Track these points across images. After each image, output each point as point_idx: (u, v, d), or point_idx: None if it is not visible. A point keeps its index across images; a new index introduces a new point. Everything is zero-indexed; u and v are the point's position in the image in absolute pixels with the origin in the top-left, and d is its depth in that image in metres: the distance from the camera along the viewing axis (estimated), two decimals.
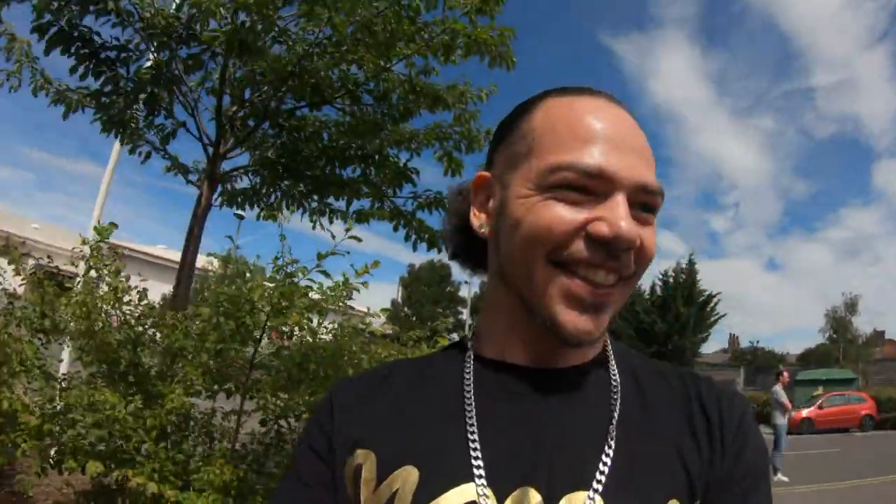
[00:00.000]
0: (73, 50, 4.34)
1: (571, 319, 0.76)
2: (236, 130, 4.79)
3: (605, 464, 0.72)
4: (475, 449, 0.76)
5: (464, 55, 4.39)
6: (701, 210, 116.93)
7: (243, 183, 5.52)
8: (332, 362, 3.42)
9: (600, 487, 0.71)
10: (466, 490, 0.73)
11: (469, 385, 0.84)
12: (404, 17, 4.00)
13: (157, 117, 4.83)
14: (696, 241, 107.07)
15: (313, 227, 5.44)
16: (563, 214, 0.75)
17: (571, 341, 0.76)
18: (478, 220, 0.88)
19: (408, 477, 0.76)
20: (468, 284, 38.78)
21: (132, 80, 4.54)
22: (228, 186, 5.50)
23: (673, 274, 37.90)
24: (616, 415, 0.78)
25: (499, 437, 0.78)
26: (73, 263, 4.48)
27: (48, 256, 4.52)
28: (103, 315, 3.64)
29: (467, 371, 0.86)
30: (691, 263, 37.74)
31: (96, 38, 4.40)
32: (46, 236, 52.73)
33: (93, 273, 3.87)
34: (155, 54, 4.49)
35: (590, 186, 0.75)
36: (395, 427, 0.83)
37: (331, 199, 5.31)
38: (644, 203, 0.77)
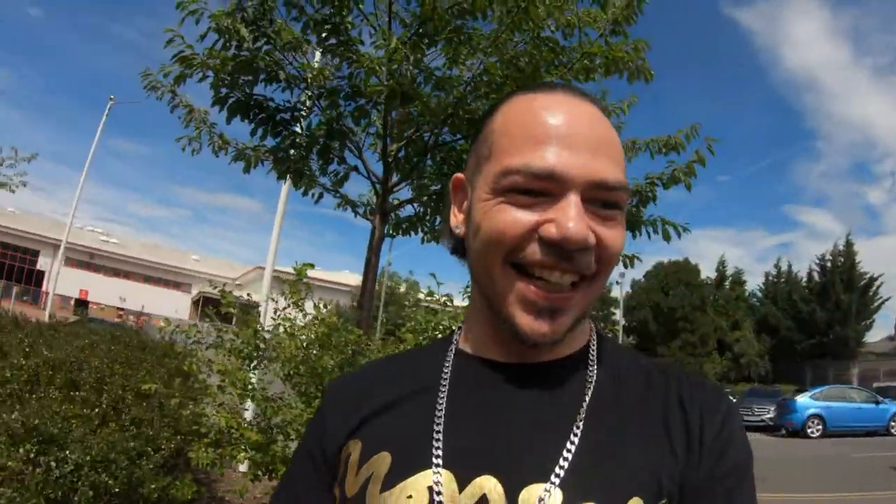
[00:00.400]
0: (251, 116, 4.95)
1: (528, 322, 0.78)
2: (401, 167, 5.30)
3: (565, 458, 0.74)
4: (437, 438, 0.80)
5: (603, 74, 4.69)
6: (854, 183, 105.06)
7: (406, 211, 6.03)
8: None
9: (557, 480, 0.72)
10: (428, 475, 0.77)
11: (446, 377, 0.88)
12: (544, 47, 4.36)
13: (330, 165, 5.40)
14: (851, 217, 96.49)
15: None
16: (516, 218, 0.77)
17: (528, 343, 0.79)
18: (455, 220, 0.91)
19: (382, 461, 0.82)
20: (619, 285, 38.08)
21: (306, 135, 5.14)
22: (393, 216, 6.01)
23: (830, 257, 36.03)
24: (584, 409, 0.79)
25: (466, 426, 0.81)
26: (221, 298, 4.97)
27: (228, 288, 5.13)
28: (315, 344, 4.22)
29: (446, 364, 0.90)
30: (849, 245, 35.79)
31: (270, 102, 5.00)
32: (207, 267, 56.86)
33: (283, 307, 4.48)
34: (324, 111, 5.04)
35: (541, 188, 0.76)
36: (379, 417, 0.88)
37: None
38: (604, 200, 0.77)
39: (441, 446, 0.79)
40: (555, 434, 0.76)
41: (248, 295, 5.58)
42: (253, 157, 5.37)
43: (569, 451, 0.74)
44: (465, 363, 0.89)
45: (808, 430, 20.99)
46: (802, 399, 21.98)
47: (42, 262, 51.00)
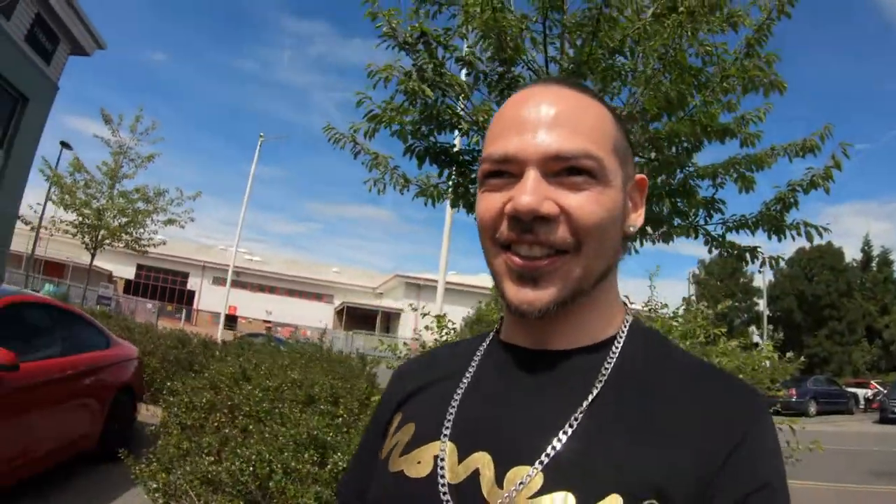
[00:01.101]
0: (437, 161, 5.58)
1: (513, 292, 0.82)
2: None
3: (553, 447, 0.75)
4: (451, 413, 0.86)
5: (742, 94, 5.06)
6: None
7: None
8: None
9: (540, 466, 0.74)
10: (437, 445, 0.84)
11: (476, 362, 0.94)
12: (688, 76, 4.78)
13: None
14: None
15: (629, 254, 6.32)
16: (491, 201, 0.83)
17: (516, 313, 0.82)
18: None
19: (408, 431, 0.90)
20: (762, 273, 36.85)
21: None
22: None
23: None
24: (589, 399, 0.79)
25: (476, 405, 0.87)
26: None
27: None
28: None
29: (481, 349, 0.96)
30: None
31: (452, 147, 5.61)
32: (347, 277, 58.99)
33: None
34: None
35: (506, 171, 0.82)
36: (419, 394, 0.97)
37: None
38: (567, 169, 0.79)
39: (451, 421, 0.85)
40: (553, 421, 0.78)
41: (423, 308, 6.26)
42: (435, 192, 5.99)
43: (559, 440, 0.75)
44: (496, 349, 0.94)
45: None
46: None
47: (192, 283, 54.95)
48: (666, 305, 5.99)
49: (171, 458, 4.04)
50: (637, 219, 0.91)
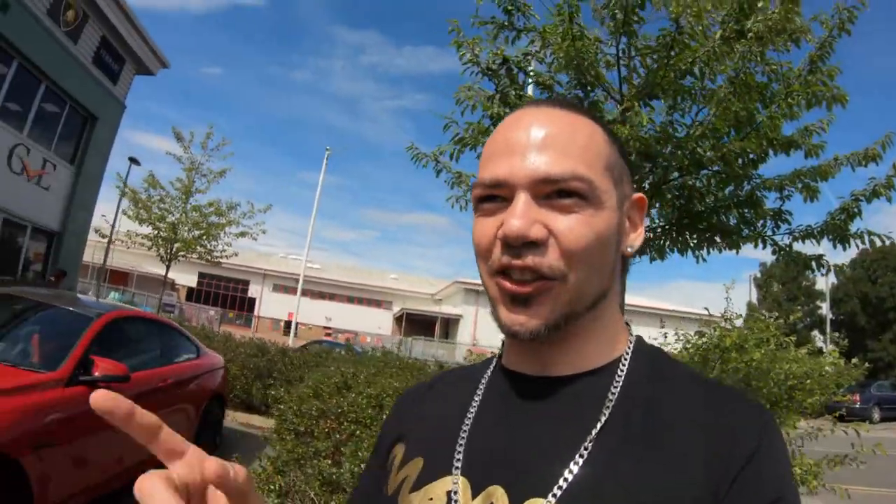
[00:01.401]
0: None
1: (506, 314, 0.81)
2: None
3: (565, 479, 0.74)
4: (461, 446, 0.84)
5: (806, 108, 5.33)
6: None
7: None
8: (764, 377, 4.63)
9: (553, 499, 0.73)
10: (448, 481, 0.81)
11: (481, 390, 0.92)
12: (755, 94, 5.08)
13: None
14: None
15: (696, 262, 6.56)
16: (484, 226, 0.82)
17: (509, 335, 0.82)
18: None
19: (416, 466, 0.87)
20: (825, 277, 36.13)
21: None
22: None
23: None
24: (598, 427, 0.78)
25: (486, 437, 0.84)
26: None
27: None
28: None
29: (485, 379, 0.94)
30: None
31: None
32: (405, 284, 59.43)
33: None
34: None
35: (498, 195, 0.81)
36: (422, 425, 0.94)
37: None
38: (558, 191, 0.78)
39: (462, 455, 0.83)
40: (563, 450, 0.76)
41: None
42: None
43: (571, 471, 0.74)
44: (500, 377, 0.92)
45: None
46: None
47: (252, 290, 56.13)
48: (740, 315, 6.26)
49: (286, 461, 4.35)
50: (636, 239, 0.91)
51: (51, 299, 6.10)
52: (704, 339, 5.61)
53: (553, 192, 0.78)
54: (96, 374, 4.71)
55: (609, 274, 0.85)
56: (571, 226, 0.78)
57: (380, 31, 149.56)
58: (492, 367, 0.96)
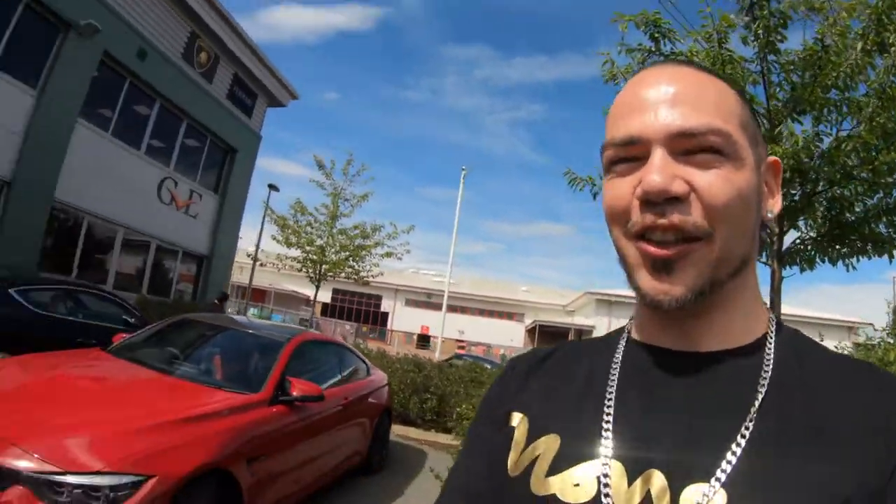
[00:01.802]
0: None
1: (647, 281, 0.76)
2: (790, 215, 6.16)
3: (728, 461, 0.69)
4: (607, 428, 0.78)
5: None
6: None
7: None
8: None
9: (718, 484, 0.67)
10: (597, 465, 0.75)
11: (616, 366, 0.86)
12: None
13: None
14: None
15: (847, 270, 6.53)
16: (619, 187, 0.78)
17: (652, 305, 0.77)
18: None
19: (550, 445, 0.81)
20: None
21: None
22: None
23: None
24: (755, 408, 0.72)
25: (635, 418, 0.78)
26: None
27: None
28: None
29: (618, 353, 0.88)
30: None
31: None
32: (536, 296, 59.31)
33: None
34: None
35: (631, 155, 0.77)
36: (549, 398, 0.88)
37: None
38: (695, 146, 0.74)
39: (611, 437, 0.77)
40: (720, 434, 0.71)
41: None
42: None
43: (734, 453, 0.69)
44: (636, 351, 0.86)
45: None
46: None
47: (385, 304, 57.65)
48: None
49: None
50: (775, 205, 0.85)
51: (233, 324, 6.81)
52: (868, 352, 5.66)
53: (690, 147, 0.74)
54: (294, 393, 5.23)
55: (751, 238, 0.80)
56: (712, 181, 0.73)
57: (488, 45, 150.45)
58: (623, 340, 0.90)
